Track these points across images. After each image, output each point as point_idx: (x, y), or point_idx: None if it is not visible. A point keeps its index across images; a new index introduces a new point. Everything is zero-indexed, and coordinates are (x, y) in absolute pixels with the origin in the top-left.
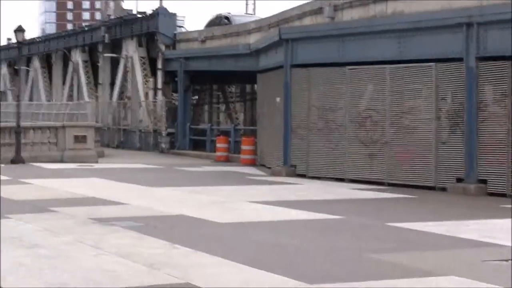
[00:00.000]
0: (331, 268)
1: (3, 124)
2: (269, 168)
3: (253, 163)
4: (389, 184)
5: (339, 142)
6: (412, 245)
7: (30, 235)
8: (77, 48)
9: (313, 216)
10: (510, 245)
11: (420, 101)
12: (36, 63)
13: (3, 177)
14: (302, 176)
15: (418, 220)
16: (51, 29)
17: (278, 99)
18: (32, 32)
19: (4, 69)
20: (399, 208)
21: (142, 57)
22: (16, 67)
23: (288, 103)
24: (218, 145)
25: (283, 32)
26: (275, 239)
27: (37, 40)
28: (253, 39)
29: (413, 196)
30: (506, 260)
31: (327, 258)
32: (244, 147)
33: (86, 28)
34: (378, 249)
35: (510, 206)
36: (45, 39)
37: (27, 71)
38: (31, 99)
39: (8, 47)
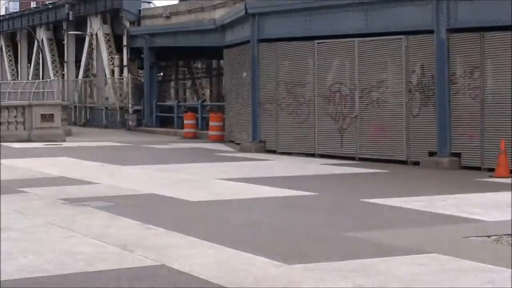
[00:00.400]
0: (308, 247)
1: None
2: (238, 144)
3: (221, 140)
4: (360, 159)
5: (308, 117)
6: (390, 222)
7: None
8: (42, 26)
9: (286, 193)
10: (490, 220)
11: (390, 74)
12: (0, 42)
13: None
14: (272, 152)
15: (393, 196)
16: (15, 7)
17: (244, 75)
18: None
19: None
20: (372, 183)
21: (107, 34)
22: None
23: (256, 78)
24: (185, 121)
25: (249, 7)
26: (248, 217)
27: (1, 18)
28: (218, 14)
29: (386, 171)
30: (488, 236)
31: (303, 237)
32: (212, 123)
33: (50, 6)
34: (354, 226)
35: (485, 179)
36: (9, 17)
37: None
38: None
39: None
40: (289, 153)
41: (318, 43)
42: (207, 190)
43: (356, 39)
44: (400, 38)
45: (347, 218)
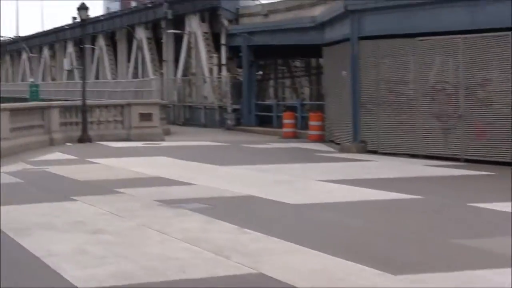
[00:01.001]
0: (412, 255)
1: (69, 103)
2: (338, 144)
3: (321, 139)
4: (465, 160)
5: (411, 116)
6: (499, 229)
7: (94, 219)
8: (141, 25)
9: (389, 196)
10: None
11: (496, 72)
12: (101, 41)
13: (70, 157)
14: (373, 152)
15: (502, 200)
16: (115, 7)
17: (344, 73)
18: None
19: (70, 48)
20: (479, 186)
21: (205, 33)
22: (81, 46)
23: (356, 77)
24: (285, 121)
25: (349, 3)
26: (349, 222)
27: (102, 18)
28: (317, 12)
29: (492, 173)
30: None
31: (408, 244)
32: (311, 122)
33: (149, 5)
34: (461, 233)
35: None
36: (109, 17)
37: (93, 50)
38: (97, 77)
39: (74, 26)
40: (391, 154)
41: (420, 40)
42: (307, 192)
43: (460, 36)
44: (507, 35)
45: (453, 224)
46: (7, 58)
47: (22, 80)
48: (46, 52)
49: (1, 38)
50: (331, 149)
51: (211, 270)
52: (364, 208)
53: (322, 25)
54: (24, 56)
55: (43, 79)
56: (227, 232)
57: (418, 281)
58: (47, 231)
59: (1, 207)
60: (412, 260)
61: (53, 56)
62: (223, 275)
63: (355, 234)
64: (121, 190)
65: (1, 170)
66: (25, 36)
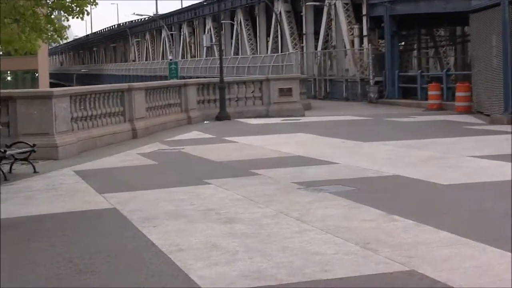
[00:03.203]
0: None
1: (206, 80)
2: (488, 115)
3: (468, 111)
4: None
5: None
6: None
7: (228, 206)
8: None
9: None
10: None
11: None
12: (239, 16)
13: (207, 135)
14: None
15: None
16: None
17: (494, 40)
18: None
19: (209, 24)
20: None
21: (346, 4)
22: (220, 21)
23: (507, 44)
24: (430, 92)
25: None
26: (509, 206)
27: None
28: None
29: None
30: None
31: None
32: (458, 93)
33: None
34: None
35: None
36: None
37: (232, 25)
38: (236, 53)
39: (212, 1)
40: None
41: None
42: (458, 170)
43: None
44: None
45: None
46: (148, 37)
47: (163, 58)
48: (185, 29)
49: (141, 17)
50: (480, 121)
51: (357, 268)
52: None
53: None
54: (164, 34)
55: (183, 57)
56: (373, 219)
57: None
58: (176, 220)
59: (130, 192)
60: None
61: (192, 33)
62: (371, 273)
63: None
64: (259, 171)
65: (136, 151)
66: (164, 14)
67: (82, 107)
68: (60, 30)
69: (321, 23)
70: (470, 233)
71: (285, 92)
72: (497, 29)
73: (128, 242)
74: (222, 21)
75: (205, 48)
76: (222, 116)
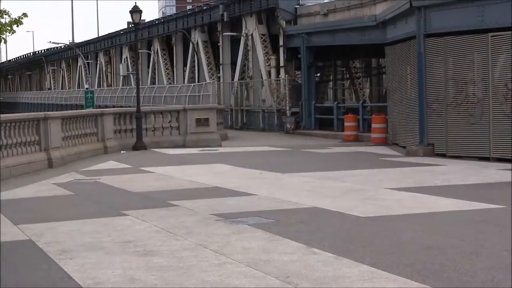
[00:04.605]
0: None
1: (123, 110)
2: (404, 147)
3: (384, 142)
4: None
5: (482, 117)
6: None
7: (146, 238)
8: (197, 28)
9: (468, 206)
10: None
11: None
12: (156, 45)
13: (123, 165)
14: (441, 155)
15: None
16: (171, 12)
17: (409, 71)
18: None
19: (126, 53)
20: None
21: (263, 35)
22: (137, 51)
23: (422, 76)
24: (346, 123)
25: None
26: (429, 238)
27: (157, 22)
28: (379, 10)
29: None
30: None
31: (498, 266)
32: (374, 125)
33: (204, 8)
34: None
35: None
36: (164, 20)
37: (148, 54)
38: (153, 82)
39: (129, 30)
40: (460, 157)
41: (492, 36)
42: (376, 202)
43: None
44: None
45: None
46: (64, 65)
47: (79, 87)
48: (101, 58)
49: (57, 45)
50: (397, 153)
51: None
52: (443, 221)
53: (384, 24)
54: (80, 62)
55: (99, 86)
56: (293, 252)
57: None
58: (93, 253)
59: (47, 223)
60: None
61: (108, 61)
62: None
63: (438, 254)
64: (176, 202)
65: (52, 181)
66: (80, 42)
67: None
68: None
69: (238, 53)
70: (390, 267)
71: (202, 122)
72: (412, 61)
73: (44, 275)
74: (139, 50)
75: (121, 77)
76: (139, 146)
